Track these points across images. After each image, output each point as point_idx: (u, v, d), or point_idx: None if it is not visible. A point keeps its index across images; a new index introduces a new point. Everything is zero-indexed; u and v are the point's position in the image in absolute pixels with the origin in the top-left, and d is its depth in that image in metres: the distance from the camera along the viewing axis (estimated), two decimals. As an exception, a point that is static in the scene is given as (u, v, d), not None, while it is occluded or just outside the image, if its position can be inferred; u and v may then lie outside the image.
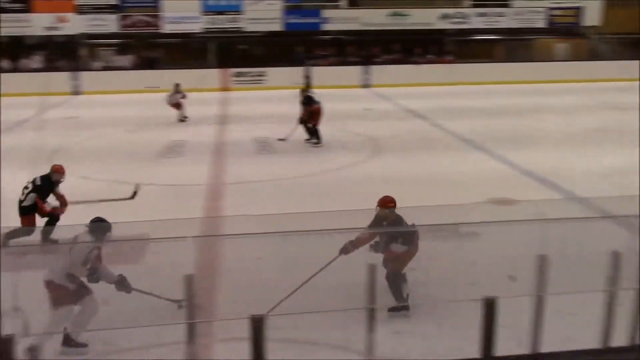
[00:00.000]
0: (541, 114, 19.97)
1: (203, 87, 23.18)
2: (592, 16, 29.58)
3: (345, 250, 6.38)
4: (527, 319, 5.15)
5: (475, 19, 28.97)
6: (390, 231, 6.57)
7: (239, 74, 26.80)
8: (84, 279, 5.86)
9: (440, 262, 7.08)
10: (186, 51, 28.81)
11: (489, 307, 3.16)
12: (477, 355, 3.42)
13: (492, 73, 27.07)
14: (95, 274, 5.82)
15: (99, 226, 6.00)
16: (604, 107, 21.29)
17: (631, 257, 5.17)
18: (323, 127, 15.32)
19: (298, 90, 16.68)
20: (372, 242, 6.59)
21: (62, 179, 8.59)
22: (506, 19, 29.12)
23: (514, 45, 30.20)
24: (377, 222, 6.70)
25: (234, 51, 28.90)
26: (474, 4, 29.09)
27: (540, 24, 29.55)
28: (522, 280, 5.51)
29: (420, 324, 6.30)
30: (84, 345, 5.81)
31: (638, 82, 26.42)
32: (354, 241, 6.41)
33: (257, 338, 2.78)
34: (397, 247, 6.50)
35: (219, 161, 13.94)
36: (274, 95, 23.97)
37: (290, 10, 27.94)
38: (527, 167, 12.81)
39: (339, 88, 24.55)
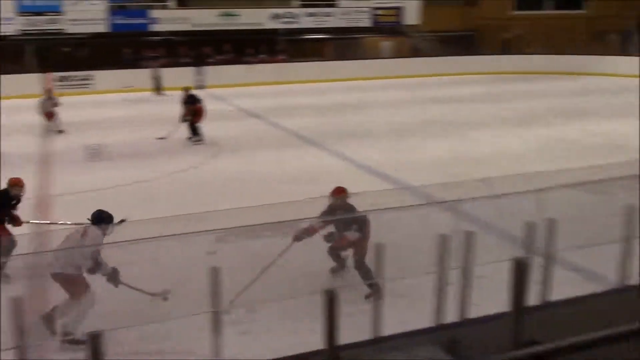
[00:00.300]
0: (371, 109, 20.89)
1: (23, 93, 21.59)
2: (412, 15, 31.45)
3: (297, 238, 6.62)
4: (367, 306, 5.35)
5: (305, 19, 29.65)
6: (340, 219, 6.82)
7: (62, 78, 25.25)
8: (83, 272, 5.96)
9: (280, 259, 7.17)
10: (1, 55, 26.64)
11: (330, 298, 3.22)
12: (322, 347, 3.47)
13: (324, 71, 27.92)
14: (99, 267, 5.97)
15: (104, 218, 6.24)
16: (428, 100, 22.73)
17: (457, 239, 5.54)
18: (160, 131, 14.90)
19: (181, 90, 16.40)
20: (325, 233, 6.84)
21: (21, 193, 7.76)
22: (334, 19, 30.12)
23: (343, 44, 31.33)
24: (330, 211, 6.91)
25: (56, 54, 27.18)
26: (303, 4, 29.76)
27: (366, 23, 30.90)
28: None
29: (265, 323, 6.31)
30: (82, 342, 5.52)
31: (458, 76, 28.77)
32: (307, 229, 6.65)
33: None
34: (352, 234, 6.69)
35: (46, 171, 13.03)
36: (103, 99, 22.93)
37: (115, 10, 26.82)
38: (361, 160, 13.35)
39: (173, 90, 23.98)
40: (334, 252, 7.16)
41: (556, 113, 19.43)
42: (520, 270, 3.80)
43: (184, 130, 15.39)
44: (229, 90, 25.05)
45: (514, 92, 24.19)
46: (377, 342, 5.05)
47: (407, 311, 5.96)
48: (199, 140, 15.34)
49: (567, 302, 5.61)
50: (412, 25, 31.59)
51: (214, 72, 26.40)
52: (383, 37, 32.48)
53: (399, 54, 31.97)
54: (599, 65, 29.36)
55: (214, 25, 28.05)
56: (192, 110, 15.40)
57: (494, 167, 11.98)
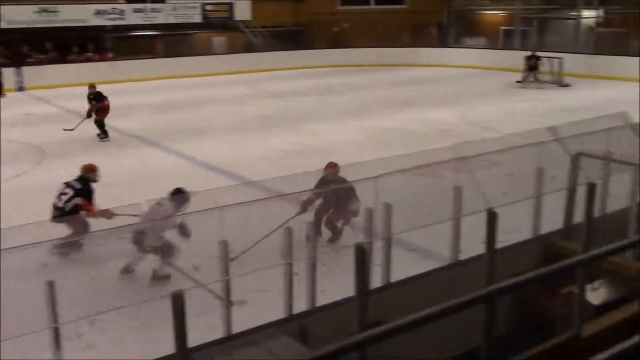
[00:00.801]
0: (208, 105, 20.62)
1: None
2: (243, 11, 31.45)
3: (303, 209, 7.31)
4: (218, 305, 5.27)
5: (132, 15, 28.52)
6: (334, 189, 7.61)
7: None
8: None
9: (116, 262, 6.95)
10: None
11: (178, 302, 3.13)
12: (172, 351, 3.37)
13: (156, 69, 27.11)
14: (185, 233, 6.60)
15: (179, 195, 7.21)
16: (265, 95, 22.89)
17: (302, 230, 5.63)
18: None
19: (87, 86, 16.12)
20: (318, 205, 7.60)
21: (97, 178, 8.44)
22: (163, 15, 29.29)
23: (174, 40, 30.60)
24: (322, 183, 7.74)
25: None
26: (128, 0, 28.61)
27: (197, 19, 30.39)
28: (210, 267, 5.64)
29: (112, 331, 6.03)
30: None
31: (292, 70, 29.24)
32: (307, 201, 7.40)
33: None
34: (356, 205, 7.26)
35: None
36: None
37: None
38: (202, 158, 13.15)
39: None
40: (330, 224, 7.89)
41: (386, 103, 20.42)
42: (361, 256, 3.94)
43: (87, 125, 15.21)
44: (54, 91, 23.51)
45: (346, 85, 25.07)
46: (229, 340, 5.02)
47: (261, 305, 5.96)
48: (104, 137, 15.30)
49: (407, 281, 5.94)
50: (244, 21, 31.60)
51: (35, 73, 24.62)
52: (215, 33, 32.18)
53: (232, 49, 31.85)
54: (421, 57, 31.30)
55: (31, 23, 26.09)
56: (98, 107, 15.36)
57: (333, 158, 12.30)
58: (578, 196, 6.59)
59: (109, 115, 15.50)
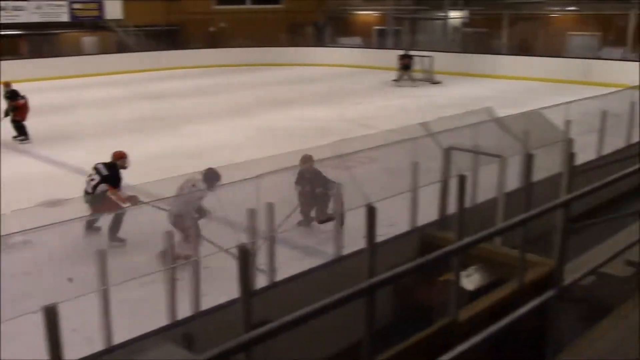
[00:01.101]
0: (79, 108, 19.71)
1: None
2: (114, 10, 30.32)
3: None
4: (96, 316, 5.05)
5: (-9, 13, 26.71)
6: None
7: None
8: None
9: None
10: None
11: (50, 316, 2.95)
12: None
13: (20, 70, 25.48)
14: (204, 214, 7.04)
15: (212, 175, 7.39)
16: (139, 97, 22.17)
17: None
18: None
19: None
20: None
21: (127, 165, 8.73)
22: (26, 13, 27.63)
23: (40, 40, 28.96)
24: (301, 175, 8.18)
25: None
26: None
27: (64, 17, 28.94)
28: (85, 278, 5.38)
29: None
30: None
31: (167, 71, 28.53)
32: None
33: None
34: (333, 187, 7.38)
35: None
36: None
37: None
38: (75, 163, 12.52)
39: None
40: (322, 217, 8.29)
41: (266, 103, 20.44)
42: (244, 256, 3.91)
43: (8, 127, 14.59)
44: None
45: (224, 85, 24.84)
46: (110, 352, 4.81)
47: (142, 313, 5.77)
48: (25, 139, 14.71)
49: (292, 279, 5.96)
50: (115, 20, 30.48)
51: None
52: (84, 33, 30.80)
53: (104, 50, 30.64)
54: (298, 56, 31.62)
55: None
56: (14, 106, 14.76)
57: (212, 159, 12.16)
58: (450, 188, 6.91)
59: (27, 114, 14.92)
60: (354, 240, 6.47)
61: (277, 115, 17.92)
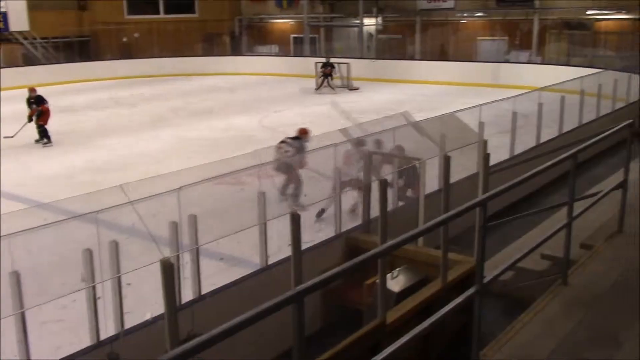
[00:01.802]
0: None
1: None
2: (19, 21, 29.11)
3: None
4: (10, 341, 4.82)
5: None
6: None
7: None
8: None
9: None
10: None
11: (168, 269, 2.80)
12: None
13: None
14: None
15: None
16: (51, 111, 21.32)
17: (103, 252, 5.34)
18: None
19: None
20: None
21: (309, 140, 10.03)
22: None
23: None
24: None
25: None
26: None
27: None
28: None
29: None
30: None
31: (79, 83, 27.62)
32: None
33: None
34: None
35: None
36: None
37: None
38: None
39: None
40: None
41: (183, 113, 20.14)
42: (167, 271, 3.83)
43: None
44: None
45: (139, 96, 24.29)
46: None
47: (63, 336, 5.55)
48: (47, 142, 15.35)
49: (219, 291, 5.89)
50: (21, 32, 29.27)
51: None
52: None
53: (9, 62, 29.33)
54: (215, 66, 31.35)
55: None
56: (39, 111, 15.50)
57: (133, 171, 11.88)
58: (373, 191, 7.02)
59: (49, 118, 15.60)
60: (282, 248, 6.47)
61: (196, 126, 17.68)
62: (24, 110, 16.18)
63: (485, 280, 3.76)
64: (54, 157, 14.15)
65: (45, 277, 5.63)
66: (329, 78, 24.88)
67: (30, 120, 15.67)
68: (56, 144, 15.67)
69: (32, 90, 16.18)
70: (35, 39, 29.67)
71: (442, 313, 3.49)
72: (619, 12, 24.58)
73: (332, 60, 25.52)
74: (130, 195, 6.14)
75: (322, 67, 25.01)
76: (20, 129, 15.61)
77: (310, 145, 9.79)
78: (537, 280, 5.60)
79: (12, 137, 15.42)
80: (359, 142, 8.29)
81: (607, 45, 25.64)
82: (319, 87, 24.82)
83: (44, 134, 15.54)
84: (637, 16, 23.96)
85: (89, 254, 5.06)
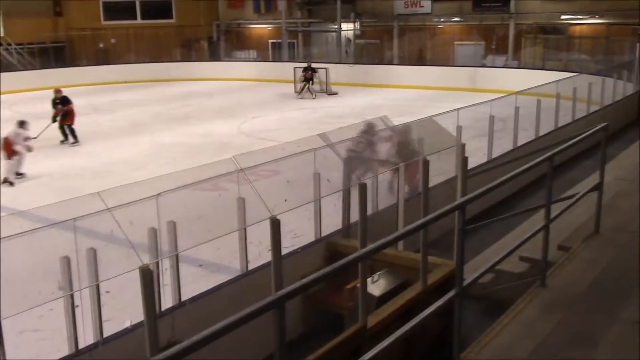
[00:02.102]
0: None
1: None
2: (-6, 27, 28.81)
3: None
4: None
5: None
6: None
7: None
8: None
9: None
10: None
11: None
12: None
13: None
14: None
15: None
16: (26, 117, 21.04)
17: (82, 260, 5.29)
18: None
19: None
20: None
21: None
22: None
23: None
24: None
25: None
26: None
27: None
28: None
29: None
30: None
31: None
32: None
33: None
34: None
35: None
36: None
37: None
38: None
39: None
40: None
41: (162, 119, 20.02)
42: (147, 278, 3.81)
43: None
44: None
45: (117, 102, 24.11)
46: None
47: (41, 346, 5.48)
48: (75, 142, 15.78)
49: (199, 297, 5.85)
50: (-4, 38, 28.95)
51: None
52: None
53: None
54: (193, 71, 31.22)
55: None
56: (65, 111, 15.87)
57: (112, 178, 11.79)
58: (352, 196, 7.03)
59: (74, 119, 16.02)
60: (262, 253, 6.46)
61: (175, 132, 17.59)
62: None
63: (465, 283, 3.79)
64: (31, 164, 13.96)
65: (21, 285, 5.55)
66: (310, 82, 24.87)
67: (54, 120, 15.97)
68: (35, 151, 15.47)
69: (57, 91, 16.52)
70: (10, 45, 29.32)
71: (423, 316, 3.51)
72: (593, 17, 24.93)
73: (314, 66, 25.55)
74: (109, 202, 6.09)
75: (303, 71, 25.01)
76: (44, 130, 15.69)
77: (287, 150, 9.72)
78: (516, 282, 5.65)
79: (35, 138, 15.03)
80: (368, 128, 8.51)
81: (581, 49, 25.99)
82: (300, 91, 24.80)
83: (71, 134, 15.95)
84: (609, 21, 24.34)
85: (66, 261, 5.01)
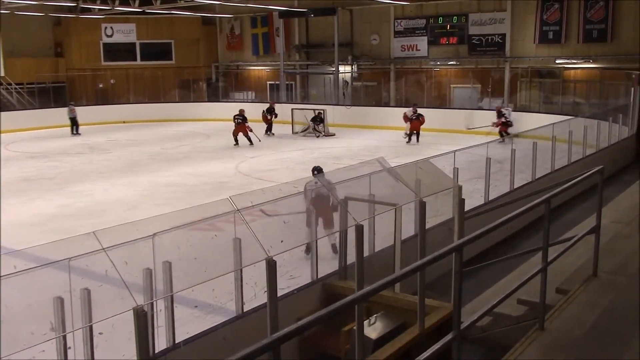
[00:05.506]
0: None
1: None
2: (-5, 67, 29.09)
3: None
4: None
5: None
6: None
7: None
8: None
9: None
10: None
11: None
12: None
13: None
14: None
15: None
16: (23, 156, 21.15)
17: (76, 300, 5.22)
18: None
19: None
20: None
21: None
22: None
23: None
24: None
25: None
26: None
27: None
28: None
29: None
30: None
31: (54, 129, 27.45)
32: None
33: None
34: None
35: None
36: None
37: None
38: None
39: None
40: None
41: (159, 159, 20.06)
42: (141, 319, 3.76)
43: None
44: None
45: (114, 142, 24.21)
46: None
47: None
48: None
49: (193, 339, 5.77)
50: (-3, 78, 29.21)
51: None
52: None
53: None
54: (192, 112, 31.44)
55: None
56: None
57: (107, 217, 11.75)
58: (349, 237, 7.00)
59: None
60: (258, 294, 6.39)
61: (171, 172, 17.61)
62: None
63: (463, 326, 3.74)
64: (25, 203, 13.93)
65: (13, 326, 5.47)
66: (316, 124, 25.30)
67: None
68: (29, 190, 15.47)
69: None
70: (10, 84, 29.56)
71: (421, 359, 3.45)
72: (587, 62, 25.28)
73: (309, 107, 25.86)
74: (104, 242, 6.06)
75: (311, 119, 25.41)
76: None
77: (285, 191, 9.68)
78: (514, 326, 5.59)
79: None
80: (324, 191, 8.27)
81: (576, 92, 26.28)
82: (303, 131, 25.51)
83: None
84: (603, 65, 24.67)
85: (60, 302, 4.95)
